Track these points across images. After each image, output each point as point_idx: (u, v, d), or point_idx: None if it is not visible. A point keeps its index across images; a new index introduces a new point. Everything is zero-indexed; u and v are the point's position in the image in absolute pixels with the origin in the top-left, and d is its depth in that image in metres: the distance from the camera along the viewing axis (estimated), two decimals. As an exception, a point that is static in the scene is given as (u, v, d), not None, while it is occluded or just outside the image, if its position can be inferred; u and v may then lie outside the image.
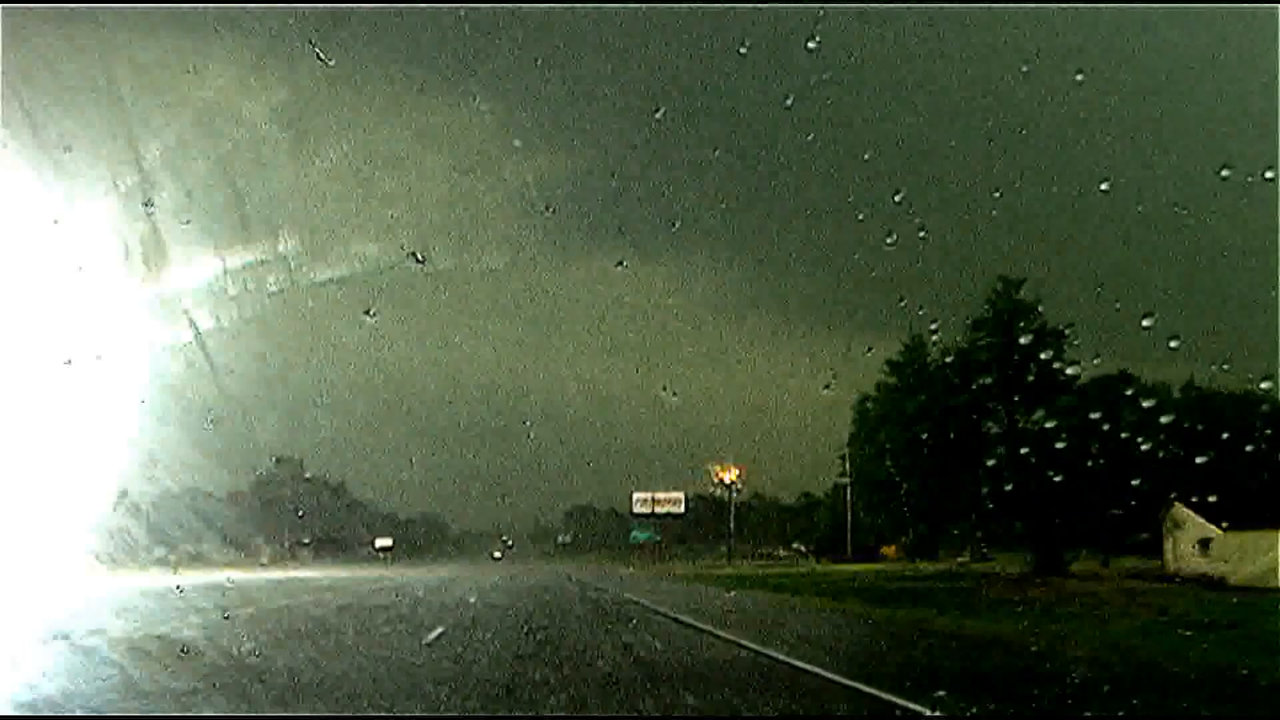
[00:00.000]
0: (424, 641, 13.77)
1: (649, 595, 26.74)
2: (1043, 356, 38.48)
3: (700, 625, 16.64)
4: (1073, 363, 38.32)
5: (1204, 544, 34.23)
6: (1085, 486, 37.97)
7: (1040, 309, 38.50)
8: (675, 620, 18.03)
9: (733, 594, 29.69)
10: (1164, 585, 31.95)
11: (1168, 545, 36.44)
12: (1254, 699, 9.00)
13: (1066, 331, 37.90)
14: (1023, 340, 37.98)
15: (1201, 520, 33.90)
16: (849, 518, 64.70)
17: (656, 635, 14.87)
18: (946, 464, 45.15)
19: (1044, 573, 37.24)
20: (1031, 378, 38.29)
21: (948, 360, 52.96)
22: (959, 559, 52.81)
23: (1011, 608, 20.93)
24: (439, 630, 15.44)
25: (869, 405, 59.95)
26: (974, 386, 40.27)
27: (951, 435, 46.35)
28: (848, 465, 64.97)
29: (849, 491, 64.91)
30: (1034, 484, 37.70)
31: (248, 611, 19.67)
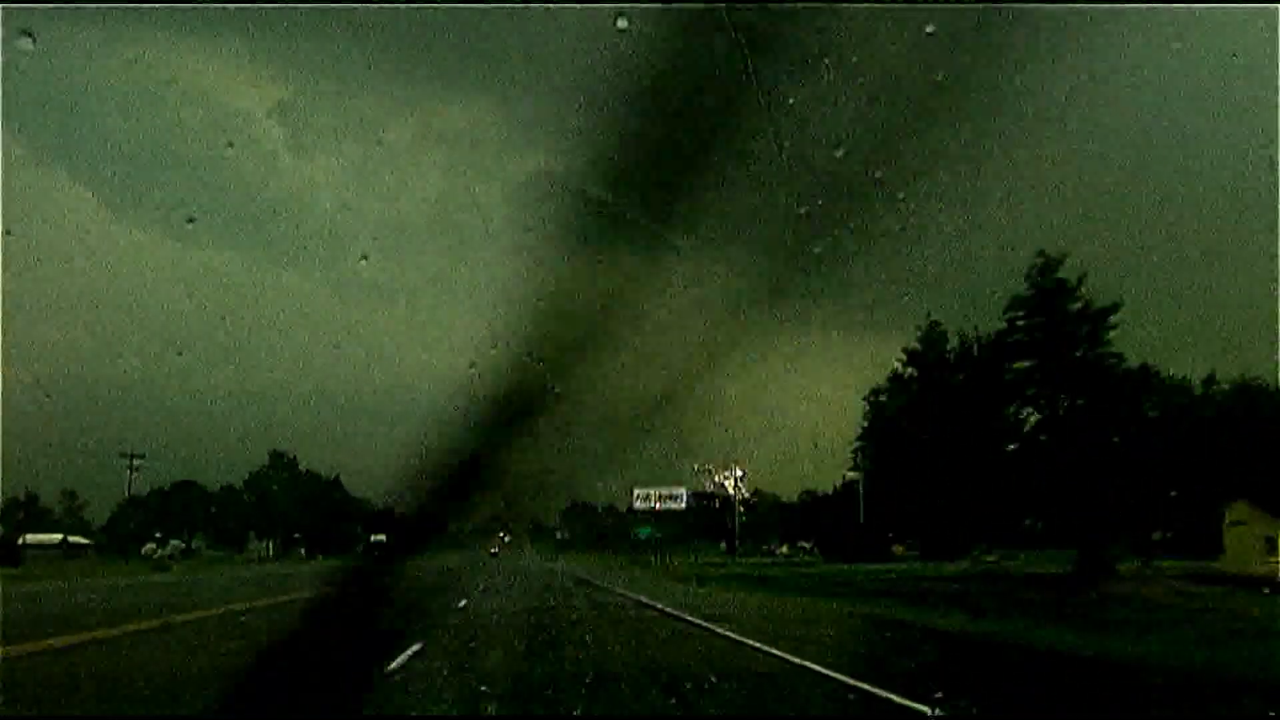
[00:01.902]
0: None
1: (688, 607, 22.78)
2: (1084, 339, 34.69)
3: (759, 645, 12.74)
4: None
5: (1270, 542, 30.46)
6: (1129, 481, 34.26)
7: (1082, 289, 34.74)
8: (727, 640, 14.09)
9: (762, 598, 25.80)
10: (1220, 589, 27.84)
11: (1228, 543, 32.60)
12: None
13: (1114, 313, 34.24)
14: (1065, 321, 34.10)
15: (1269, 517, 30.17)
16: (862, 514, 60.71)
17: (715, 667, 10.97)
18: (973, 456, 41.22)
19: (1089, 574, 33.41)
20: (1072, 360, 34.42)
21: (976, 344, 49.23)
22: (986, 558, 48.83)
23: (1114, 619, 17.04)
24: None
25: (883, 398, 56.15)
26: (1008, 371, 36.38)
27: (980, 424, 42.61)
28: (861, 459, 61.18)
29: (861, 487, 60.98)
30: (1076, 477, 33.92)
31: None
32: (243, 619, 16.49)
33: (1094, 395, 34.69)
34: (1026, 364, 35.36)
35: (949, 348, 49.95)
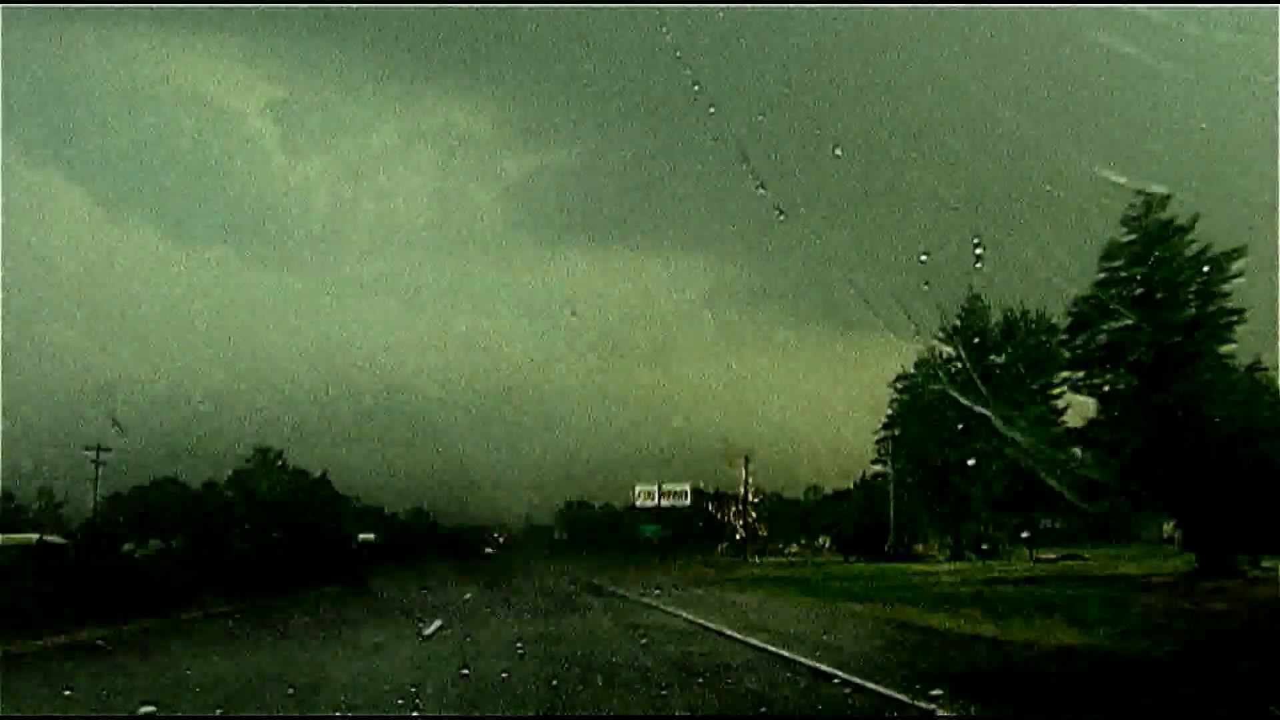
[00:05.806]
0: None
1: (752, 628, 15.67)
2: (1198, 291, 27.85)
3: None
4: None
5: None
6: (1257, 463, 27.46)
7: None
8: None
9: (834, 609, 18.75)
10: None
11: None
12: None
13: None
14: (1181, 268, 27.22)
15: None
16: (891, 511, 53.82)
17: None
18: (1038, 437, 34.29)
19: (1208, 575, 26.63)
20: (1187, 318, 27.55)
21: (1024, 319, 42.94)
22: (1042, 556, 41.92)
23: None
24: None
25: (917, 381, 49.52)
26: (1099, 333, 29.51)
27: (1045, 400, 35.90)
28: (889, 450, 54.41)
29: (892, 480, 54.10)
30: (1185, 459, 27.11)
31: None
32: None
33: (1207, 359, 27.89)
34: (1127, 323, 28.40)
35: (994, 323, 43.69)
